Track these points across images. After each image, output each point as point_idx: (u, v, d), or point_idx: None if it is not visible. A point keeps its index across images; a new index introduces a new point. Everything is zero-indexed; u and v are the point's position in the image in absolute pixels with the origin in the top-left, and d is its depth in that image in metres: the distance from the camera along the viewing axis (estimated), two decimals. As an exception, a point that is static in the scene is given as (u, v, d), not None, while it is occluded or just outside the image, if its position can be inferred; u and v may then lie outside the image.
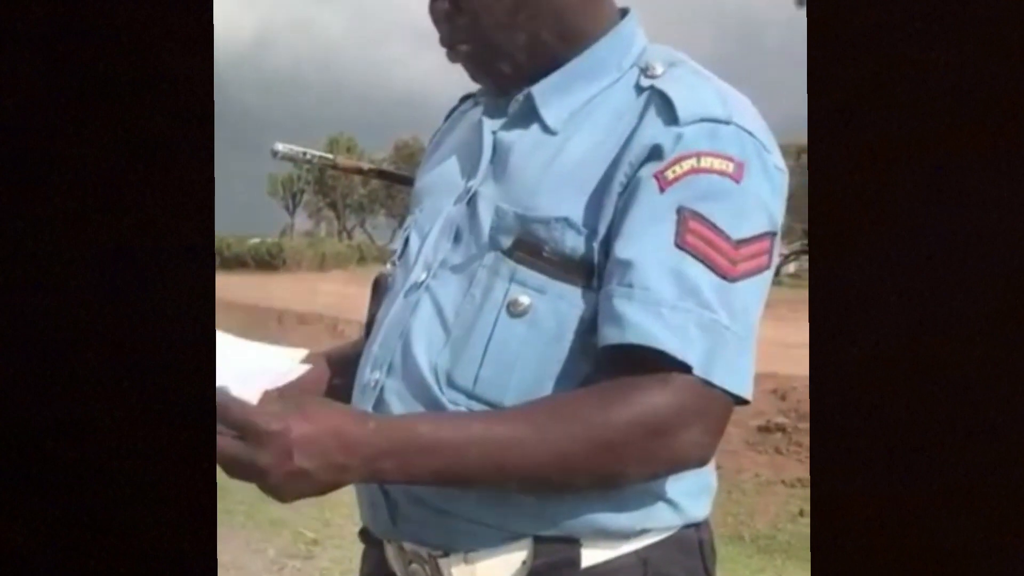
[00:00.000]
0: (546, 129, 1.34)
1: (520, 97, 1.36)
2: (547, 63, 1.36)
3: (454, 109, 1.63)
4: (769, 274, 1.26)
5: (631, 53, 1.37)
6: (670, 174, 1.20)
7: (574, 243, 1.25)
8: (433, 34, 1.38)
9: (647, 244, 1.20)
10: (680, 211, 1.19)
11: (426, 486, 1.23)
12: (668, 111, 1.24)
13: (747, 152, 1.24)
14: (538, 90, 1.35)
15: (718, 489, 1.39)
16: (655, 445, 1.18)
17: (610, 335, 1.19)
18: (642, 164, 1.23)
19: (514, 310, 1.26)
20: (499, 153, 1.36)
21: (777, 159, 1.28)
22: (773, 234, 1.25)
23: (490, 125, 1.39)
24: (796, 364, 9.66)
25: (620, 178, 1.24)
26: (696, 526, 1.35)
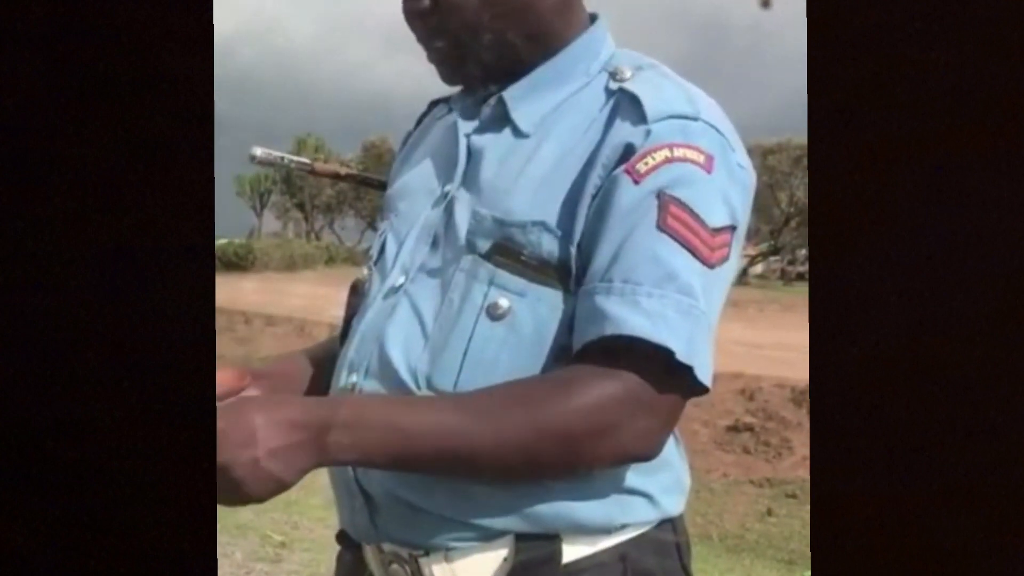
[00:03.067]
0: (518, 132, 1.34)
1: (492, 101, 1.36)
2: (516, 66, 1.36)
3: (424, 114, 1.63)
4: (730, 268, 1.27)
5: (599, 58, 1.38)
6: (642, 166, 1.21)
7: (550, 247, 1.25)
8: (401, 37, 1.39)
9: (628, 233, 1.20)
10: (660, 195, 1.20)
11: (381, 468, 1.23)
12: (636, 111, 1.25)
13: (714, 147, 1.25)
14: (509, 94, 1.35)
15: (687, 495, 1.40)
16: (596, 437, 1.19)
17: (588, 332, 1.19)
18: (615, 166, 1.23)
19: (494, 313, 1.26)
20: (473, 157, 1.36)
21: (740, 157, 1.30)
22: (734, 228, 1.26)
23: (464, 128, 1.39)
24: (764, 364, 9.76)
25: (594, 180, 1.24)
26: (673, 527, 1.37)
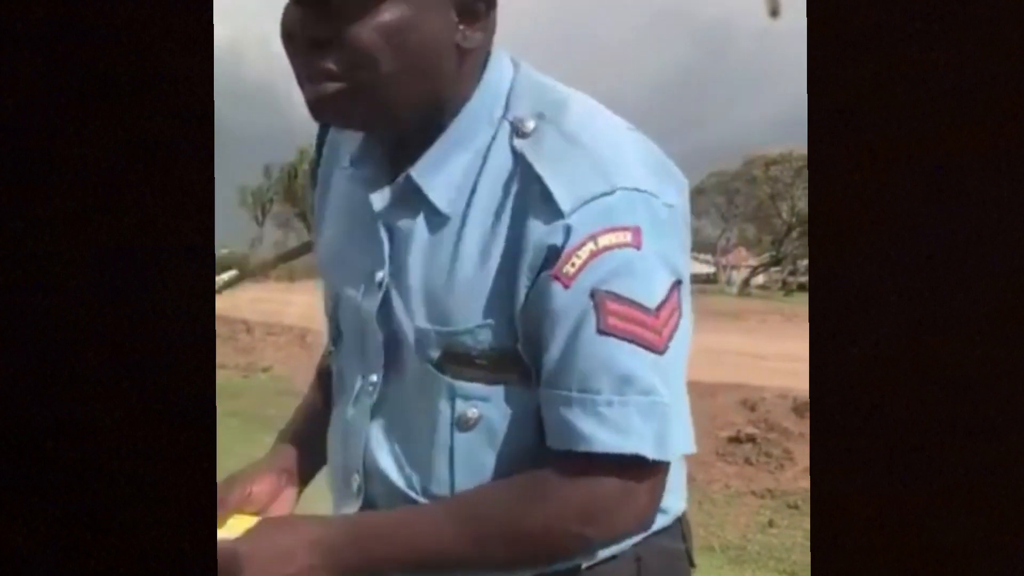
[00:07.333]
0: (436, 211, 1.28)
1: (400, 180, 1.30)
2: (410, 127, 1.30)
3: (322, 139, 1.53)
4: (686, 323, 1.25)
5: (500, 100, 1.30)
6: (570, 268, 1.18)
7: (500, 346, 1.24)
8: None
9: (570, 341, 1.19)
10: (594, 295, 1.18)
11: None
12: (549, 204, 1.20)
13: (638, 213, 1.20)
14: (418, 174, 1.29)
15: (688, 500, 1.43)
16: (581, 533, 1.23)
17: (558, 441, 1.21)
18: (541, 268, 1.20)
19: (465, 425, 1.27)
20: (397, 242, 1.32)
21: (666, 197, 1.25)
22: (679, 281, 1.24)
23: (377, 202, 1.32)
24: (765, 375, 9.74)
25: (523, 282, 1.21)
26: (682, 536, 1.43)
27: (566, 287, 1.18)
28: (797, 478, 7.51)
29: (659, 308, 1.20)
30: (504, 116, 1.30)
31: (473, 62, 1.28)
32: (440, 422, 1.29)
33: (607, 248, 1.18)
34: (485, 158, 1.28)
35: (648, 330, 1.19)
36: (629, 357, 1.18)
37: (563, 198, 1.19)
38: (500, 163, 1.27)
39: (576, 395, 1.19)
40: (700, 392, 8.71)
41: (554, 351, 1.20)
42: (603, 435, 1.18)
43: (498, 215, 1.25)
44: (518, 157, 1.25)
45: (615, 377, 1.18)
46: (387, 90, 1.22)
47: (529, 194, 1.22)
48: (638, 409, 1.18)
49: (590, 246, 1.18)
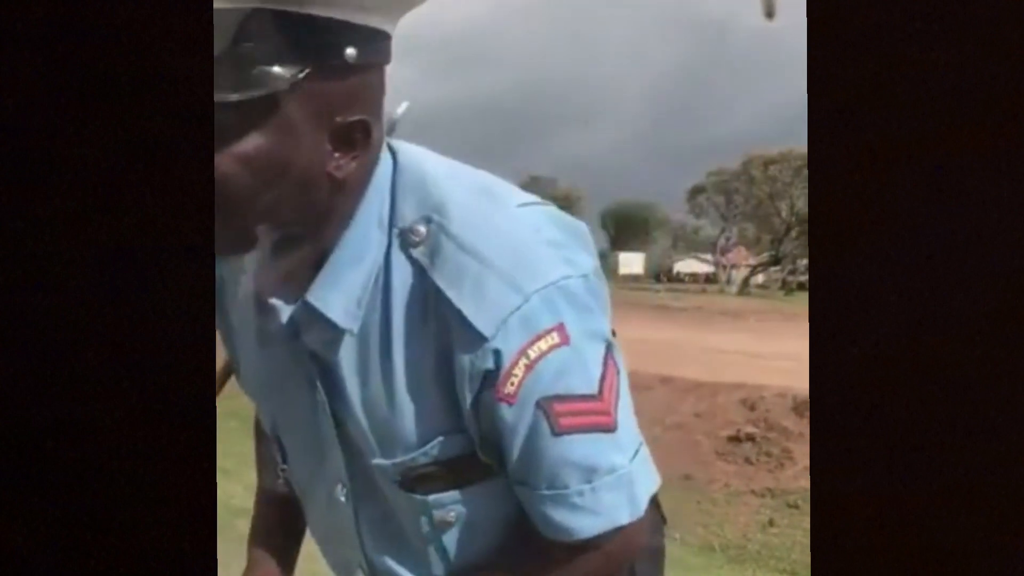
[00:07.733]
0: (339, 329, 1.24)
1: (299, 306, 1.24)
2: (304, 247, 1.26)
3: None
4: (622, 379, 1.26)
5: (386, 202, 1.25)
6: (510, 387, 1.17)
7: (458, 454, 1.25)
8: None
9: (528, 447, 1.20)
10: (539, 404, 1.17)
11: None
12: (469, 329, 1.17)
13: (558, 308, 1.19)
14: (313, 295, 1.23)
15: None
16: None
17: (544, 530, 1.25)
18: (481, 388, 1.18)
19: (447, 527, 1.30)
20: (321, 367, 1.29)
21: (578, 267, 1.23)
22: (610, 344, 1.24)
23: (287, 327, 1.27)
24: (765, 374, 9.73)
25: (467, 399, 1.19)
26: (664, 527, 1.52)
27: (511, 404, 1.17)
28: (797, 477, 7.51)
29: (601, 387, 1.20)
30: (392, 222, 1.24)
31: (352, 185, 1.22)
32: (423, 529, 1.31)
33: (540, 356, 1.17)
34: (386, 271, 1.23)
35: (598, 415, 1.20)
36: (589, 447, 1.20)
37: (481, 323, 1.16)
38: (403, 276, 1.22)
39: (547, 492, 1.21)
40: (700, 392, 8.69)
41: (515, 458, 1.21)
42: (581, 523, 1.22)
43: (420, 338, 1.21)
44: (418, 268, 1.21)
45: (580, 470, 1.20)
46: (247, 221, 1.18)
47: (446, 318, 1.19)
48: (607, 488, 1.21)
49: (523, 361, 1.16)
